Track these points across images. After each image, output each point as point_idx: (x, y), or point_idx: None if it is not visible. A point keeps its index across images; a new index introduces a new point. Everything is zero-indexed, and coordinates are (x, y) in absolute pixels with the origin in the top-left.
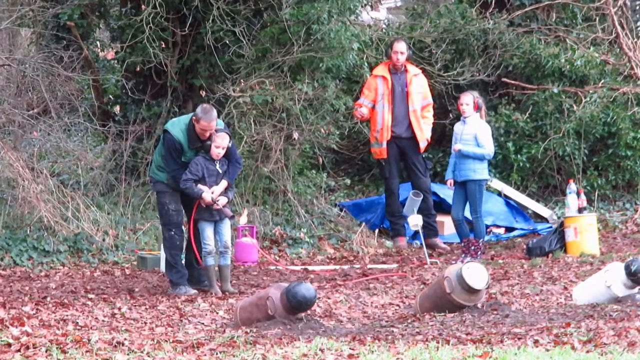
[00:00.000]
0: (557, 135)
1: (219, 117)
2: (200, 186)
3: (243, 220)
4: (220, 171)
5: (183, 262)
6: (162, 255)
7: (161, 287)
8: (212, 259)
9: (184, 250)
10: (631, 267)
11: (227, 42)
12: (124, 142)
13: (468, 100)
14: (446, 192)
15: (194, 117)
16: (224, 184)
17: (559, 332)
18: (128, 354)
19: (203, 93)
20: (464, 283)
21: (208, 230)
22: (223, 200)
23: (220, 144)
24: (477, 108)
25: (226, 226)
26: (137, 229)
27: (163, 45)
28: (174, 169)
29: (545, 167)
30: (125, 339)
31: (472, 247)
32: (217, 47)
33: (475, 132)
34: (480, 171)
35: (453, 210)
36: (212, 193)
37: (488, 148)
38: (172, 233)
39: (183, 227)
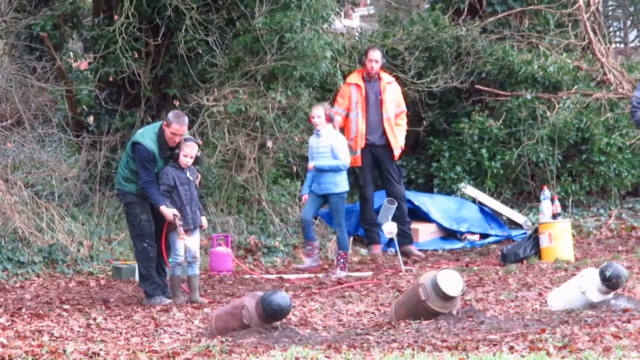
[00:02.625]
0: (531, 141)
1: (192, 126)
2: (166, 210)
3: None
4: (192, 179)
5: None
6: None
7: (136, 297)
8: (180, 270)
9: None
10: (606, 273)
11: (200, 51)
12: (98, 153)
13: (319, 112)
14: (421, 200)
15: (164, 123)
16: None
17: (534, 338)
18: None
19: (177, 103)
20: (439, 290)
21: (179, 241)
22: (204, 221)
23: (189, 152)
24: (329, 120)
25: (195, 237)
26: (112, 239)
27: (136, 55)
28: (147, 180)
29: (519, 174)
30: (100, 349)
31: (342, 260)
32: (190, 57)
33: (330, 144)
34: (341, 183)
35: (304, 211)
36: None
37: (344, 159)
38: (145, 245)
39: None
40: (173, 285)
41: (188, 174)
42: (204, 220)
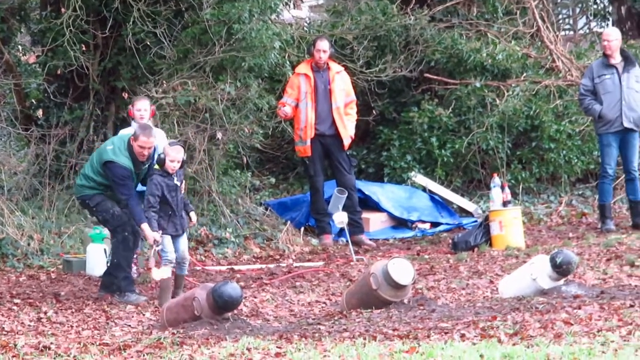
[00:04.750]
0: (481, 129)
1: None
2: (148, 231)
3: (157, 275)
4: (179, 184)
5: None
6: (89, 258)
7: (87, 290)
8: (170, 270)
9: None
10: (556, 260)
11: (149, 43)
12: (47, 146)
13: (145, 106)
14: (371, 189)
15: (132, 137)
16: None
17: (486, 326)
18: (55, 358)
19: (125, 95)
20: (390, 279)
21: (168, 241)
22: (193, 217)
23: (175, 157)
24: (154, 115)
25: (183, 239)
26: (62, 232)
27: (84, 48)
28: (128, 195)
29: (469, 162)
30: (51, 343)
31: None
32: (139, 49)
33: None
34: None
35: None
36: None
37: None
38: (127, 234)
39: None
40: (162, 287)
41: (175, 180)
42: (192, 215)
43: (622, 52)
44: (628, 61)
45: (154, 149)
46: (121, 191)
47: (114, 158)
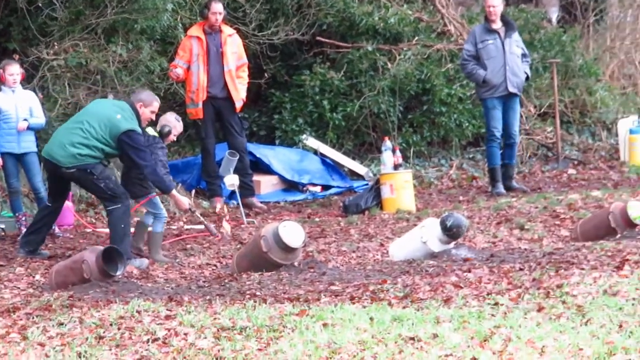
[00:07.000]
0: (372, 93)
1: (32, 80)
2: (180, 197)
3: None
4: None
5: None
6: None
7: None
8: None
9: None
10: (446, 223)
11: (40, 4)
12: None
13: (17, 70)
14: (262, 152)
15: (140, 104)
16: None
17: (376, 289)
18: None
19: (16, 57)
20: (280, 242)
21: (159, 200)
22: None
23: (179, 131)
24: (24, 78)
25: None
26: None
27: None
28: (152, 164)
29: (360, 125)
30: None
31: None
32: (30, 10)
33: (30, 104)
34: (34, 142)
35: (10, 179)
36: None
37: (43, 118)
38: (128, 202)
39: None
40: (156, 243)
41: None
42: None
43: (503, 18)
44: (509, 26)
45: None
46: (144, 158)
47: (132, 127)
